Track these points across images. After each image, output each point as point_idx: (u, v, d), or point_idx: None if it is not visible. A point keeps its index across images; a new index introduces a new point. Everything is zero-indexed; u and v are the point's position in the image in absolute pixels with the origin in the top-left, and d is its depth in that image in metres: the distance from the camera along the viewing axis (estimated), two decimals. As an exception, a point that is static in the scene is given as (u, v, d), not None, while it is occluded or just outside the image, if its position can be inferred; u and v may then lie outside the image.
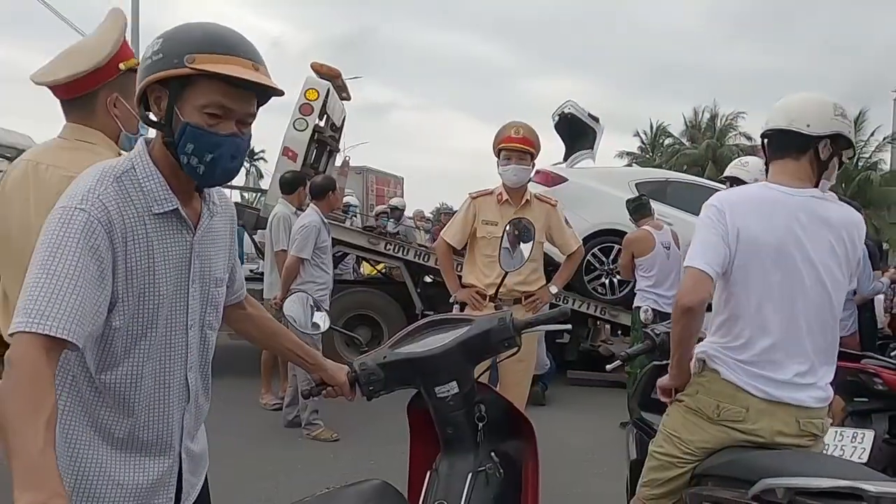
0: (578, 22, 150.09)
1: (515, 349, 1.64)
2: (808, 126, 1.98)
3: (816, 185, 2.03)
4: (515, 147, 3.55)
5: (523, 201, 3.63)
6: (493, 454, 1.64)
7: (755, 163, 4.24)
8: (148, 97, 1.25)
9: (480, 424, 1.63)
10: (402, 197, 15.54)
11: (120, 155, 1.85)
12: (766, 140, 2.10)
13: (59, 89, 1.81)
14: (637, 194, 6.35)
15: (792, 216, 1.96)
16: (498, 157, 3.60)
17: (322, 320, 2.02)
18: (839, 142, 2.01)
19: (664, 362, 2.67)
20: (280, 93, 1.29)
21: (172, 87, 1.21)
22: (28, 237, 1.60)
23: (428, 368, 1.62)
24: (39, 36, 47.40)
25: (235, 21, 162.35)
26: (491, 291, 3.55)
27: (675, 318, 2.01)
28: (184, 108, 1.21)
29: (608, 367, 2.68)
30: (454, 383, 1.60)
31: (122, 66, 1.81)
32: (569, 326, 1.77)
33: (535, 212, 3.64)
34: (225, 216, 1.44)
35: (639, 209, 5.44)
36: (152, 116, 1.26)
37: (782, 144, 2.04)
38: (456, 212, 3.96)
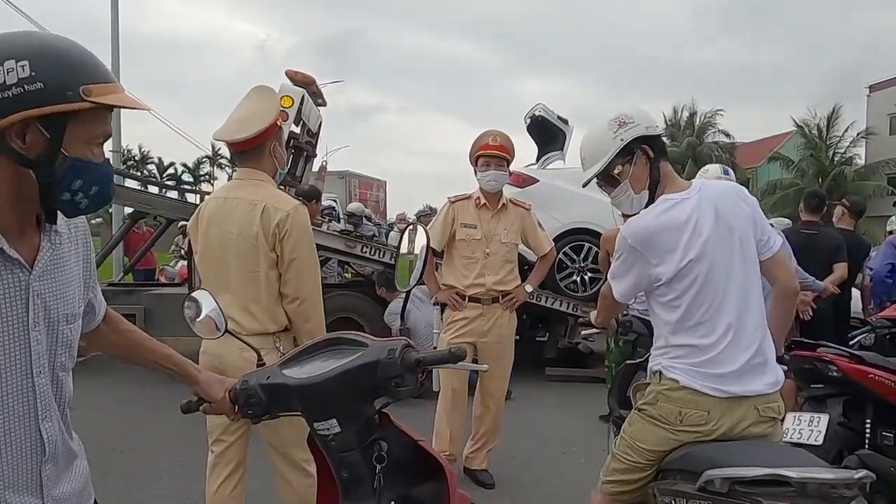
0: (561, 21, 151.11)
1: (410, 390, 1.36)
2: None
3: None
4: (494, 154, 3.70)
5: (499, 205, 3.79)
6: (393, 503, 1.40)
7: (714, 169, 4.47)
8: (6, 130, 1.07)
9: (379, 466, 1.38)
10: (386, 199, 15.66)
11: (277, 186, 2.66)
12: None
13: (239, 144, 2.45)
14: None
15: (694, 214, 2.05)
16: (475, 163, 3.74)
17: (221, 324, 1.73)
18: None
19: (636, 361, 2.84)
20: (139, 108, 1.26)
21: (54, 121, 1.08)
22: (224, 252, 2.47)
23: (303, 400, 1.39)
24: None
25: (222, 25, 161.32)
26: (471, 292, 3.70)
27: (601, 299, 2.37)
28: (70, 144, 1.10)
29: (583, 332, 2.88)
30: (333, 421, 1.36)
31: (279, 123, 2.49)
32: (485, 367, 1.70)
33: (510, 216, 3.81)
34: (75, 243, 1.29)
35: None
36: (23, 153, 1.09)
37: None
38: (435, 215, 4.09)
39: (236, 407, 1.49)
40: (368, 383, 1.34)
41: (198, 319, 1.73)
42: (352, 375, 1.34)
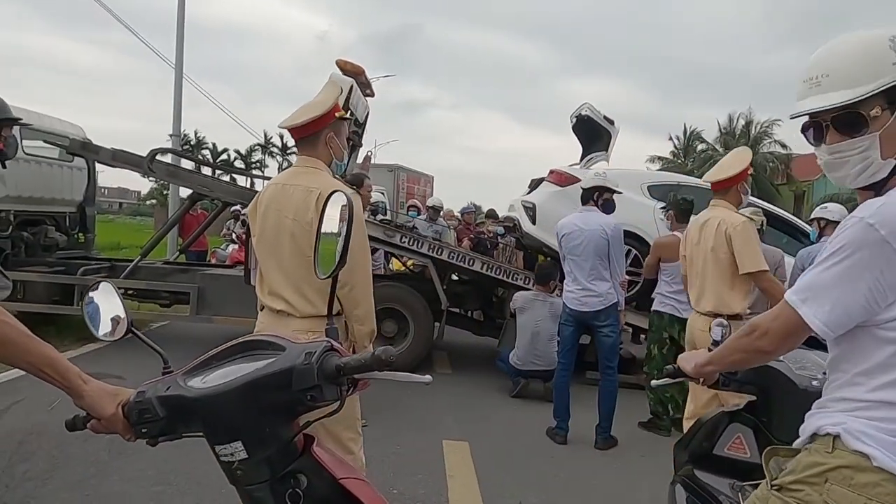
0: (618, 23, 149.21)
1: (335, 407, 1.12)
2: None
3: None
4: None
5: None
6: None
7: (838, 207, 4.67)
8: None
9: None
10: (433, 195, 15.75)
11: (333, 175, 2.69)
12: None
13: (296, 131, 2.59)
14: (649, 197, 6.54)
15: None
16: (742, 181, 3.84)
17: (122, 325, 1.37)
18: None
19: (732, 408, 2.20)
20: None
21: None
22: (280, 236, 2.57)
23: (203, 416, 1.13)
24: (93, 32, 48.79)
25: (283, 15, 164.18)
26: None
27: (745, 346, 1.51)
28: None
29: (654, 382, 2.13)
30: (238, 444, 1.11)
31: (337, 114, 2.62)
32: (427, 378, 1.16)
33: None
34: None
35: (683, 214, 5.36)
36: None
37: None
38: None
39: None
40: (283, 397, 1.09)
41: (100, 307, 1.38)
42: (260, 386, 1.09)
